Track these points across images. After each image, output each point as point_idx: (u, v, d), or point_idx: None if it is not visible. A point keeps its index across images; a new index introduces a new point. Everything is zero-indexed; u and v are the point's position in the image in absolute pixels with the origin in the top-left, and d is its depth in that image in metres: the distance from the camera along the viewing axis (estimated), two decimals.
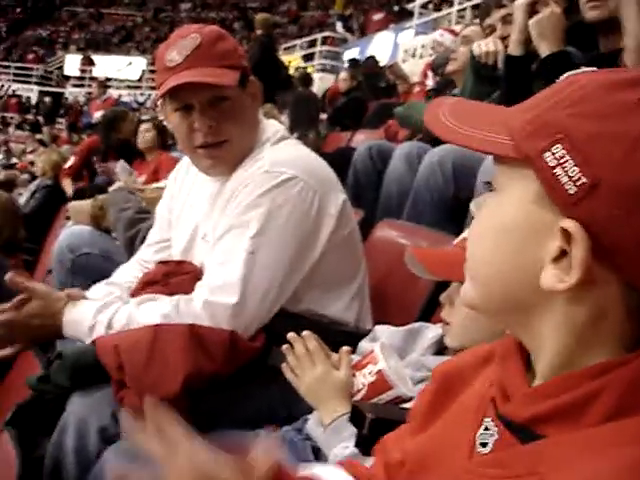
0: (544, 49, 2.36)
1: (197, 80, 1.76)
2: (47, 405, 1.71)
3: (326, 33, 18.48)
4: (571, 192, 0.66)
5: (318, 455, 1.50)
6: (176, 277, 1.90)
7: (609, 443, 0.64)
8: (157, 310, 1.77)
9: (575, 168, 0.66)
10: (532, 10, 2.44)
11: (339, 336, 1.85)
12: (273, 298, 1.80)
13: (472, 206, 0.79)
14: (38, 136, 13.23)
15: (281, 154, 1.89)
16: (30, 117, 19.61)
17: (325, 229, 1.86)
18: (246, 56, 1.99)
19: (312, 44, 18.02)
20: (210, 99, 1.82)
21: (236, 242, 1.79)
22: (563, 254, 0.68)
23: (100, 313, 1.81)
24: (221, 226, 1.84)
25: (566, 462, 0.66)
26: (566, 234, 0.67)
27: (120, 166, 4.44)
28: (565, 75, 0.75)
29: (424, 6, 13.90)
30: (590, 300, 0.68)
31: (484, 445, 0.75)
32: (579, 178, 0.66)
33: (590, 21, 2.46)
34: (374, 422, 1.15)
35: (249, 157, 1.90)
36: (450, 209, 2.61)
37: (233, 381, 1.75)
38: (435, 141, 2.92)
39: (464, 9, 11.36)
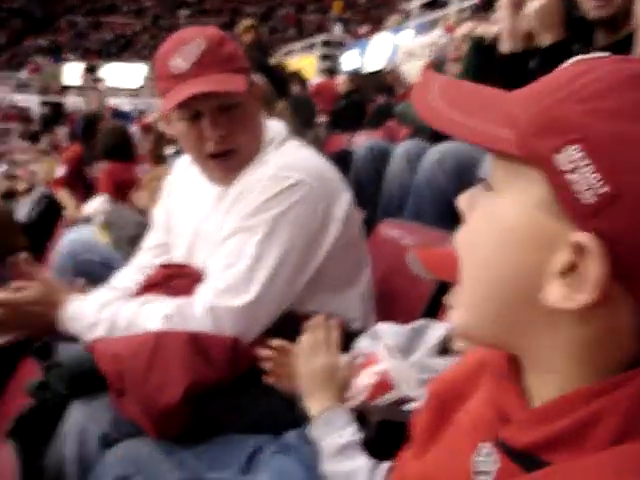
0: (547, 39, 2.32)
1: (212, 90, 1.73)
2: (48, 413, 1.69)
3: (325, 36, 18.49)
4: (590, 202, 0.57)
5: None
6: (178, 280, 1.87)
7: (621, 470, 0.58)
8: (160, 311, 1.75)
9: (595, 175, 0.56)
10: (519, 6, 2.41)
11: (345, 336, 1.82)
12: (277, 302, 1.78)
13: (461, 204, 0.70)
14: (39, 145, 13.24)
15: (287, 158, 1.87)
16: (31, 127, 19.63)
17: (331, 232, 1.84)
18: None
19: (311, 47, 18.05)
20: (220, 106, 1.79)
21: (242, 246, 1.77)
22: (572, 268, 0.60)
23: (102, 311, 1.79)
24: (226, 229, 1.82)
25: None
26: (578, 247, 0.59)
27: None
28: (571, 61, 0.65)
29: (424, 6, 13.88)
30: (599, 321, 0.61)
31: (485, 473, 0.68)
32: (600, 186, 0.56)
33: (593, 19, 2.36)
34: (381, 425, 1.13)
35: (254, 160, 1.88)
36: (452, 207, 2.57)
37: (237, 386, 1.73)
38: (434, 138, 2.89)
39: (464, 9, 11.34)
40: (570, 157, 0.58)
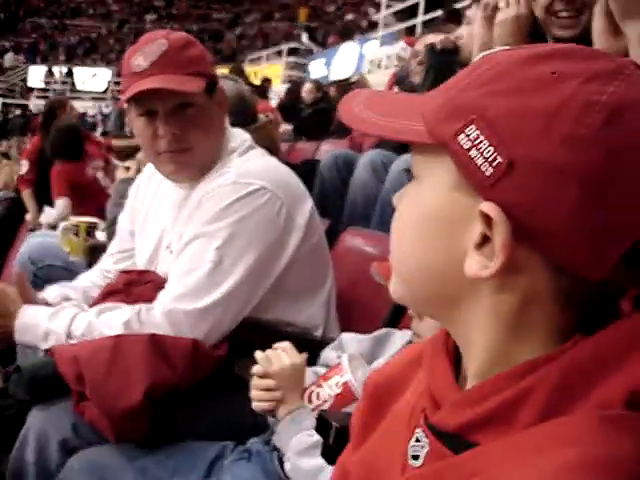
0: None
1: (160, 87, 1.74)
2: (8, 420, 1.68)
3: (292, 44, 18.54)
4: (487, 173, 0.62)
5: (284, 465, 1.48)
6: (138, 286, 1.87)
7: (542, 446, 0.59)
8: (118, 319, 1.74)
9: (490, 148, 0.62)
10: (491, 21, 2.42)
11: (306, 345, 1.83)
12: (237, 307, 1.78)
13: (394, 199, 0.74)
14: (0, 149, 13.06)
15: (249, 165, 1.88)
16: None
17: (293, 240, 1.85)
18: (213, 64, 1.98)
19: (278, 55, 18.07)
20: (175, 106, 1.80)
21: (201, 251, 1.77)
22: (486, 240, 0.64)
23: (55, 318, 1.77)
24: (186, 235, 1.82)
25: (500, 470, 0.60)
26: (487, 218, 0.63)
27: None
28: (480, 55, 0.73)
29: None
30: (517, 287, 0.64)
31: (416, 458, 0.71)
32: (495, 158, 0.61)
33: (560, 39, 2.26)
34: (339, 431, 1.13)
35: (215, 167, 1.89)
36: None
37: (198, 391, 1.73)
38: (399, 150, 2.92)
39: (431, 20, 11.44)
40: (469, 136, 0.63)
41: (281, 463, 1.48)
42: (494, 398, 0.64)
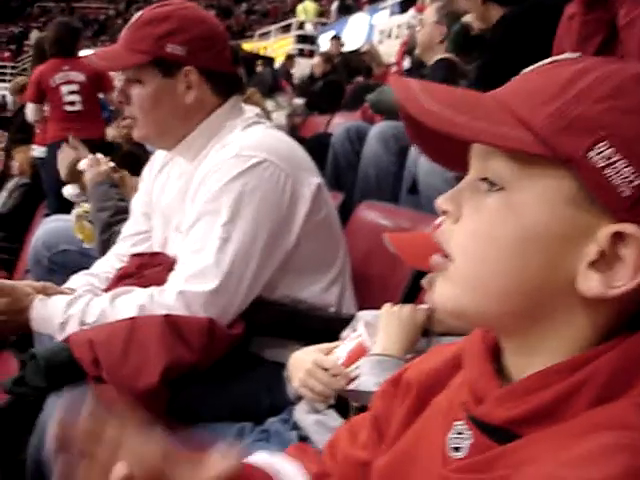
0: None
1: (86, 60, 1.92)
2: (27, 407, 1.67)
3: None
4: (625, 195, 0.61)
5: (306, 444, 1.47)
6: (150, 269, 1.85)
7: (587, 431, 0.60)
8: (132, 302, 1.73)
9: (628, 168, 0.61)
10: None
11: (319, 322, 1.83)
12: (249, 285, 1.76)
13: (445, 205, 0.71)
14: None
15: (250, 138, 1.85)
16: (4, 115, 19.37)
17: (299, 213, 1.81)
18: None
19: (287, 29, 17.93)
20: (127, 78, 1.87)
21: (208, 230, 1.74)
22: (602, 257, 0.63)
23: (70, 307, 1.77)
24: (192, 214, 1.80)
25: (544, 452, 0.62)
26: (615, 237, 0.62)
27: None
28: (546, 62, 0.70)
29: None
30: (617, 300, 0.64)
31: (457, 450, 0.70)
32: (634, 179, 0.61)
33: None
34: (360, 411, 1.11)
35: (217, 143, 1.86)
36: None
37: (214, 371, 1.71)
38: None
39: None
40: (602, 154, 0.61)
41: (301, 441, 1.46)
42: (543, 392, 0.65)
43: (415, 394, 0.82)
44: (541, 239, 0.65)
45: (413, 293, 1.92)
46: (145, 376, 1.58)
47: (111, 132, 5.67)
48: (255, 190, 1.75)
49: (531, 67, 0.71)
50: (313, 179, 1.88)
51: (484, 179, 0.68)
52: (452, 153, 0.74)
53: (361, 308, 1.91)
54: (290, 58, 11.13)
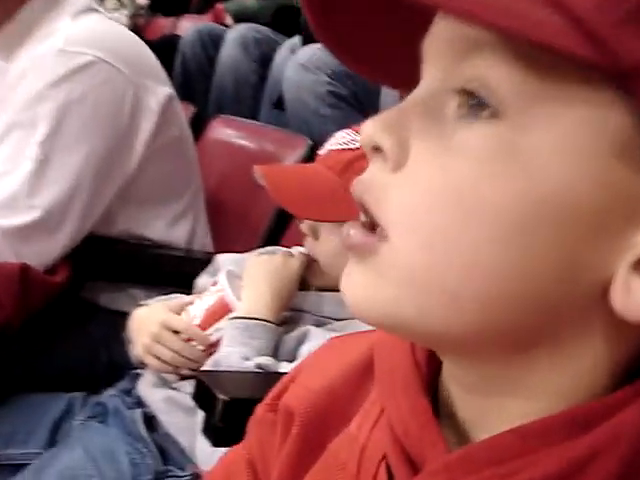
0: None
1: None
2: None
3: None
4: None
5: (152, 424, 1.19)
6: None
7: None
8: None
9: None
10: None
11: (166, 263, 1.59)
12: (76, 220, 1.44)
13: (373, 135, 0.39)
14: None
15: (81, 29, 1.49)
16: None
17: (143, 129, 1.50)
18: None
19: None
20: None
21: (21, 147, 1.40)
22: None
23: None
24: (2, 125, 1.44)
25: None
26: None
27: None
28: None
29: None
30: None
31: None
32: None
33: None
34: (229, 406, 0.82)
35: (37, 31, 1.49)
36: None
37: (34, 327, 1.43)
38: (278, 24, 2.68)
39: None
40: None
41: (146, 422, 1.18)
42: (530, 465, 0.38)
43: (300, 432, 0.52)
44: (562, 214, 0.36)
45: (280, 226, 1.65)
46: None
47: None
48: (84, 98, 1.41)
49: None
50: (162, 88, 1.57)
51: (461, 92, 0.38)
52: (380, 48, 0.44)
53: (217, 244, 1.68)
54: None
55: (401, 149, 0.38)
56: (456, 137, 0.37)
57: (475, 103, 0.37)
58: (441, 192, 0.37)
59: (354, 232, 0.40)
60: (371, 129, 0.39)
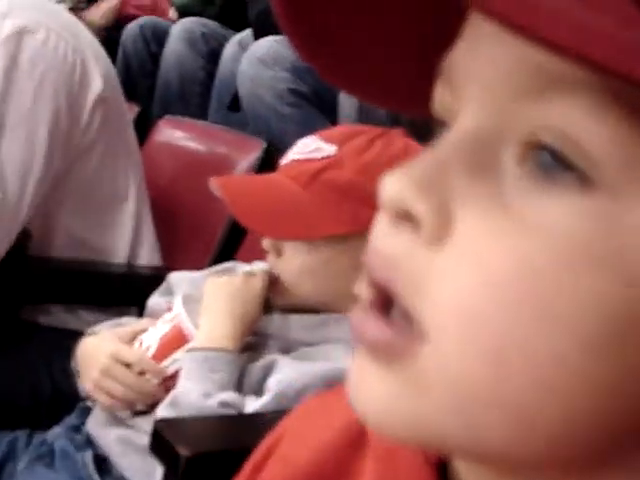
0: None
1: None
2: None
3: None
4: None
5: (104, 467, 1.07)
6: None
7: None
8: None
9: None
10: None
11: (110, 278, 1.49)
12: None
13: (406, 197, 0.27)
14: None
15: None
16: None
17: (89, 99, 1.38)
18: None
19: None
20: None
21: None
22: None
23: None
24: None
25: None
26: None
27: None
28: None
29: None
30: None
31: None
32: None
33: None
34: (191, 463, 0.72)
35: None
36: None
37: None
38: (225, 18, 2.60)
39: None
40: None
41: (98, 464, 1.07)
42: None
43: None
44: None
45: (235, 238, 1.54)
46: None
47: None
48: (33, 67, 1.31)
49: None
50: (106, 75, 1.45)
51: (527, 144, 0.27)
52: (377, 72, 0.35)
53: (166, 258, 1.57)
54: None
55: (442, 218, 0.27)
56: (522, 206, 0.27)
57: (548, 162, 0.26)
58: (514, 283, 0.26)
59: (372, 326, 0.29)
60: (398, 187, 0.28)
